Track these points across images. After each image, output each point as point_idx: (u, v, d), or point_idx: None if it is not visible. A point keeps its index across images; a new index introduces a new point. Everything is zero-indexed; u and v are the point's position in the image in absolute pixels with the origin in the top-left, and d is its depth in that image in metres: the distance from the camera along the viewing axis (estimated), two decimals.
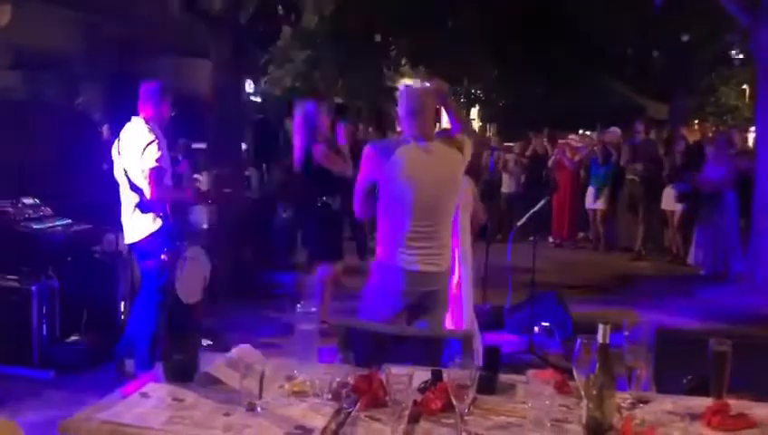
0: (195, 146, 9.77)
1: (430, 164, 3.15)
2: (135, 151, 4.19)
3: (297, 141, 5.02)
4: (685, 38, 14.82)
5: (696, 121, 19.89)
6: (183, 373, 2.09)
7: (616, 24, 14.88)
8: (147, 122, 4.26)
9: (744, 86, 21.27)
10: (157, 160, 4.15)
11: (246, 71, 10.60)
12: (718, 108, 22.13)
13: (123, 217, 4.37)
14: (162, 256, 4.27)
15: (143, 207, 4.26)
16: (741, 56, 14.46)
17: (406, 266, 3.16)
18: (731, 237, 8.17)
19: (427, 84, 3.28)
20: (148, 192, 4.20)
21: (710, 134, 12.72)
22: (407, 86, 3.35)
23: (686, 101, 17.75)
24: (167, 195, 4.30)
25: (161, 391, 2.01)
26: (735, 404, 1.97)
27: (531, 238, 5.92)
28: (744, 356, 2.08)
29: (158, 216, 4.26)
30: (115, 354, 4.50)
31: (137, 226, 4.30)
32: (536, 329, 5.55)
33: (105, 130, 8.65)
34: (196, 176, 6.65)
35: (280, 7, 8.63)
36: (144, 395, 1.99)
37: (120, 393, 2.00)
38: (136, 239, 4.33)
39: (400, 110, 3.25)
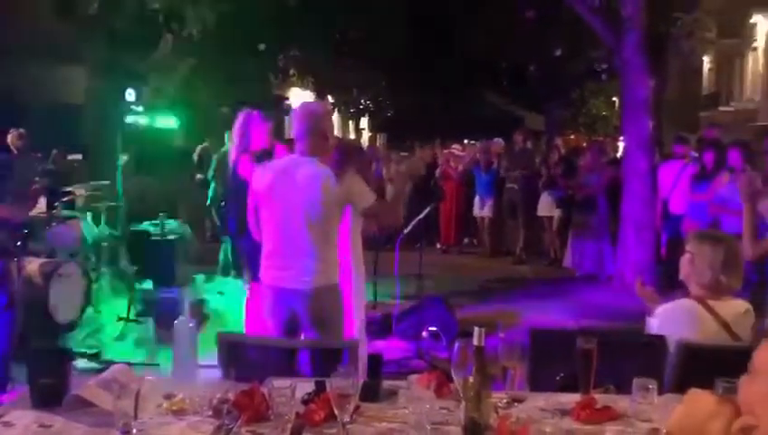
0: (70, 157, 9.25)
1: (294, 178, 3.05)
2: None
3: (232, 152, 4.72)
4: (557, 53, 15.67)
5: (571, 131, 21.07)
6: (50, 397, 1.97)
7: (494, 39, 15.51)
8: None
9: (614, 98, 22.74)
10: None
11: (126, 78, 10.17)
12: (589, 118, 23.53)
13: None
14: None
15: None
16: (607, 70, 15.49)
17: (272, 284, 3.10)
18: (603, 241, 8.70)
19: (320, 104, 3.25)
20: None
21: (583, 144, 13.52)
22: (299, 107, 3.33)
23: (560, 113, 18.77)
24: None
25: (26, 418, 1.89)
26: (601, 398, 2.10)
27: (417, 245, 6.05)
28: (610, 352, 2.22)
29: None
30: None
31: None
32: (424, 334, 5.66)
33: None
34: (70, 189, 6.30)
35: (161, 16, 8.34)
36: (7, 424, 1.86)
37: None
38: None
39: (293, 130, 3.20)
